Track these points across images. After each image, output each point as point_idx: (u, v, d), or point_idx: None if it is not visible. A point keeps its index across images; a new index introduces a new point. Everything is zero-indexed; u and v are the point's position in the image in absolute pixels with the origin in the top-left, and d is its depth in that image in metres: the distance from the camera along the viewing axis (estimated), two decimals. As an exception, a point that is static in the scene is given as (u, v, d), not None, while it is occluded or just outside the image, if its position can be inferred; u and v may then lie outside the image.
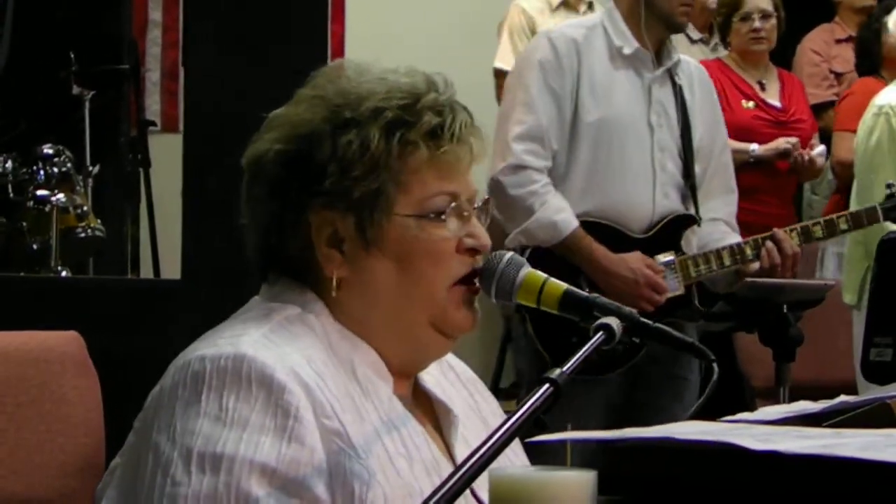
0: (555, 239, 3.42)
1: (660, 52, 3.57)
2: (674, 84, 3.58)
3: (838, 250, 5.26)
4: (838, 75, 6.10)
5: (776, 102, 5.28)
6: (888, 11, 5.16)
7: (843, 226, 3.66)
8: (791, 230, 3.60)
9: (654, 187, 3.51)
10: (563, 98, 3.47)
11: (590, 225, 3.46)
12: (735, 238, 3.61)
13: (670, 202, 3.53)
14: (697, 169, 3.58)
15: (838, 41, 6.23)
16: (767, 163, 5.10)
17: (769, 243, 3.51)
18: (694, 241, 3.57)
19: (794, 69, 6.29)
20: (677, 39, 3.78)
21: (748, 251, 3.52)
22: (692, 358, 3.51)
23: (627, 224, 3.49)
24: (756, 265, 3.54)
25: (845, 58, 6.07)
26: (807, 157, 5.10)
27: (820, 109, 6.10)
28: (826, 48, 6.27)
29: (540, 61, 3.49)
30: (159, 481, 1.47)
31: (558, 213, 3.42)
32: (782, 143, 5.11)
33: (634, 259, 3.45)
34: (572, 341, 3.41)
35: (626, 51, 3.53)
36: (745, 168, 5.00)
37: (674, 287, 3.48)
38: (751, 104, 5.20)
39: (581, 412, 3.39)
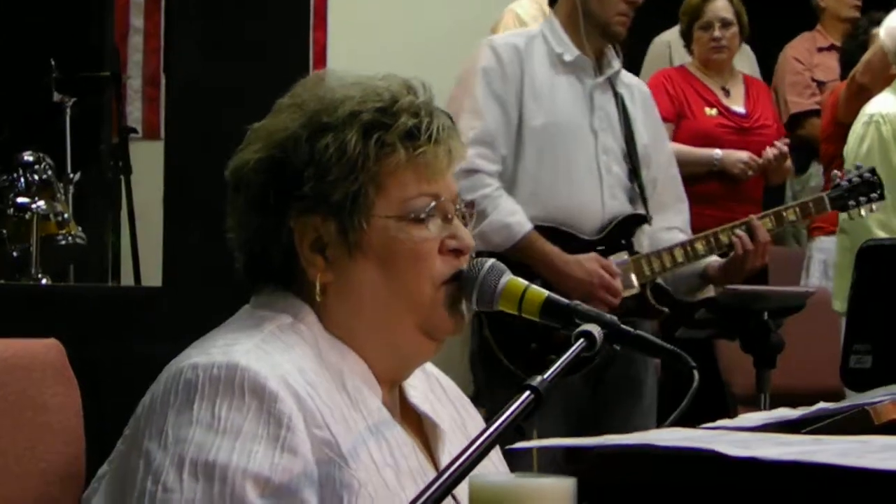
0: (509, 242, 3.41)
1: (600, 61, 3.62)
2: (615, 93, 3.63)
3: (824, 258, 5.28)
4: (820, 84, 6.12)
5: (740, 109, 5.27)
6: (875, 23, 5.19)
7: (792, 216, 3.72)
8: (762, 217, 3.66)
9: (601, 189, 3.54)
10: (508, 104, 3.50)
11: (541, 229, 3.47)
12: None
13: (619, 203, 3.56)
14: (644, 172, 3.62)
15: (820, 49, 6.25)
16: (730, 171, 5.10)
17: (739, 231, 3.55)
18: (647, 246, 3.60)
19: (775, 77, 6.31)
20: None
21: (700, 247, 3.56)
22: (648, 359, 3.58)
23: (578, 227, 3.51)
24: (713, 260, 3.58)
25: (827, 66, 6.09)
26: (772, 156, 5.09)
27: (802, 118, 6.12)
28: (808, 56, 6.30)
29: (483, 68, 3.52)
30: (150, 488, 1.47)
31: (511, 215, 3.42)
32: (745, 157, 5.09)
33: (589, 260, 3.46)
34: (531, 347, 3.46)
35: (567, 57, 3.57)
36: (711, 176, 5.01)
37: (629, 286, 3.50)
38: (713, 111, 5.20)
39: (543, 415, 3.41)
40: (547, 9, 5.58)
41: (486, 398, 3.41)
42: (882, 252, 2.08)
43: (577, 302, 1.59)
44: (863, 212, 3.90)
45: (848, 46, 5.62)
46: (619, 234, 3.54)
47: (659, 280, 3.59)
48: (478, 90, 3.50)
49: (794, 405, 1.63)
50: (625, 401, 3.54)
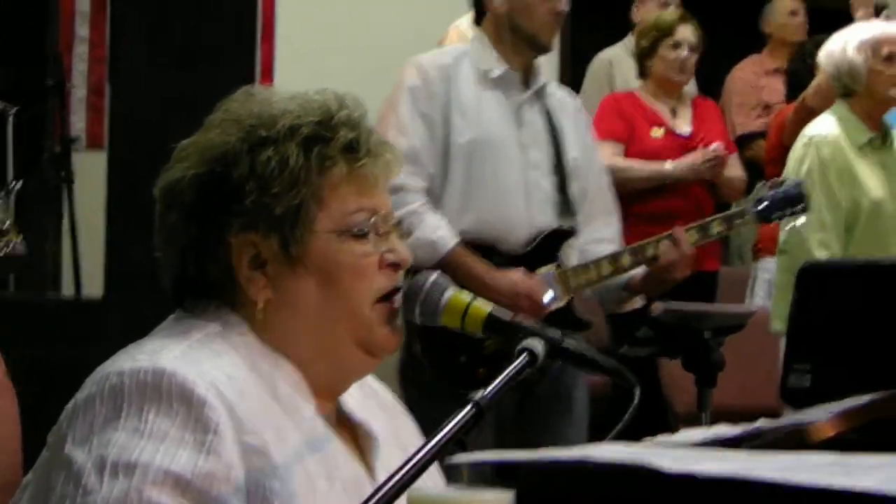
0: (434, 258, 3.42)
1: (527, 75, 3.66)
2: (543, 106, 3.65)
3: (768, 277, 5.31)
4: (767, 106, 6.18)
5: (686, 129, 5.31)
6: (820, 46, 5.24)
7: (717, 227, 3.73)
8: (688, 229, 3.65)
9: (529, 204, 3.56)
10: (433, 122, 3.53)
11: (468, 243, 3.50)
12: None
13: (546, 218, 3.59)
14: (574, 186, 3.64)
15: (768, 72, 6.32)
16: (683, 184, 5.13)
17: (665, 242, 3.56)
18: (576, 259, 3.62)
19: (723, 99, 6.36)
20: None
21: (626, 260, 3.58)
22: (579, 373, 3.58)
23: (505, 240, 3.54)
24: (635, 272, 3.58)
25: (774, 88, 6.15)
26: (716, 159, 5.15)
27: (749, 139, 6.18)
28: (756, 79, 6.36)
29: (409, 88, 3.55)
30: (70, 492, 1.45)
31: (436, 231, 3.44)
32: (697, 155, 5.14)
33: (515, 272, 3.48)
34: (461, 361, 3.46)
35: (495, 73, 3.61)
36: (662, 193, 5.05)
37: (555, 299, 3.52)
38: (660, 132, 5.24)
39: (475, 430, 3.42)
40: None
41: (415, 414, 3.42)
42: (821, 273, 2.10)
43: (521, 318, 1.60)
44: (786, 225, 3.92)
45: (795, 68, 5.66)
46: (546, 247, 3.57)
47: (587, 294, 3.61)
48: (403, 108, 3.53)
49: (735, 424, 1.64)
50: (554, 414, 3.56)
